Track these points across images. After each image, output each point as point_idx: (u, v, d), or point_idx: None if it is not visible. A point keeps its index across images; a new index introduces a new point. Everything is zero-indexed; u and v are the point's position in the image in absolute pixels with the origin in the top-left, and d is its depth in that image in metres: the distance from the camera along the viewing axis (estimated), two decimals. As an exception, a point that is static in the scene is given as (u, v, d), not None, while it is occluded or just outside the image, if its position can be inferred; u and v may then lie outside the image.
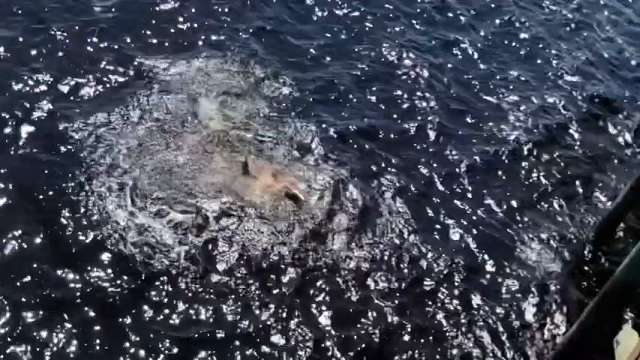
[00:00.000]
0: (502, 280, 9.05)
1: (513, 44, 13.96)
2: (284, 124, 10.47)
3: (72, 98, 9.97)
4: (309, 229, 8.87)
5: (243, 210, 8.88)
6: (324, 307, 8.15)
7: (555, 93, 12.73)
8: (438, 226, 9.53)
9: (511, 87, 12.63)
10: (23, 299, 7.52)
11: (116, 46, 11.03)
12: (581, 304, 8.74)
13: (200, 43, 11.65)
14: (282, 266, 8.42)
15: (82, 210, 8.45)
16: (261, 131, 10.20)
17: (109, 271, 7.92)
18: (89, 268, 7.91)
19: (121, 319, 7.55)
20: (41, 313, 7.45)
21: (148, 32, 11.47)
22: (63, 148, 9.15)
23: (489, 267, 9.17)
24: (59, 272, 7.83)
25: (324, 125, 10.66)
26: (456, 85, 12.27)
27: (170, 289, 7.90)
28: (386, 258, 8.86)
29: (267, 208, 8.97)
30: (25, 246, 8.01)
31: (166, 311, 7.71)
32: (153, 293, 7.85)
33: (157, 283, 7.93)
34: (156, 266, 8.06)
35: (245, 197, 9.02)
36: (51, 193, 8.61)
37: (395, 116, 11.29)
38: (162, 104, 10.17)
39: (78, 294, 7.67)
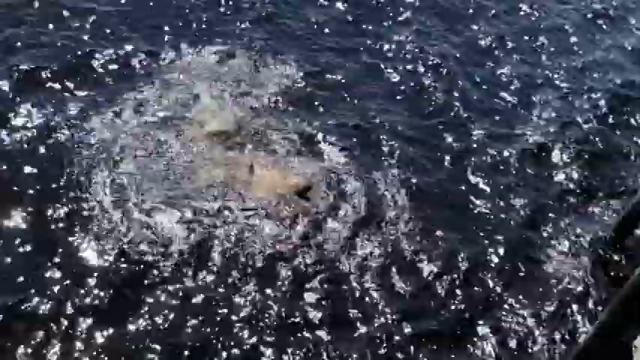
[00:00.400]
0: (517, 281, 8.68)
1: (531, 35, 13.44)
2: (289, 117, 10.18)
3: (65, 92, 9.75)
4: (314, 228, 8.59)
5: (245, 208, 8.63)
6: (326, 310, 7.85)
7: (575, 86, 12.26)
8: (450, 226, 9.15)
9: (528, 80, 12.17)
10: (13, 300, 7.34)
11: (112, 38, 10.79)
12: (599, 306, 8.43)
13: (200, 34, 11.36)
14: (286, 267, 8.16)
15: (75, 208, 8.26)
16: (265, 125, 9.92)
17: (104, 270, 7.71)
18: (82, 267, 7.71)
19: (114, 321, 7.34)
20: (30, 313, 7.27)
21: (146, 24, 11.22)
22: (55, 144, 8.95)
23: (503, 268, 8.78)
24: (50, 271, 7.64)
25: (330, 119, 10.35)
26: (469, 78, 11.85)
27: (167, 289, 7.67)
28: (395, 258, 8.53)
29: (272, 206, 8.70)
30: (16, 244, 7.83)
31: (163, 312, 7.49)
32: (148, 293, 7.63)
33: (154, 283, 7.71)
34: (153, 265, 7.83)
35: (248, 195, 8.75)
36: (42, 189, 8.40)
37: (405, 111, 10.91)
38: (161, 99, 9.92)
39: (69, 295, 7.45)
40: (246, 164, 9.11)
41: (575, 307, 8.52)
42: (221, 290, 7.78)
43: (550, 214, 9.72)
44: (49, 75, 9.96)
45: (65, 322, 7.23)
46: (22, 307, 7.27)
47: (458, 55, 12.38)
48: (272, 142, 9.70)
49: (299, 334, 7.55)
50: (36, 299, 7.35)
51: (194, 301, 7.64)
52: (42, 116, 9.35)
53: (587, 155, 10.85)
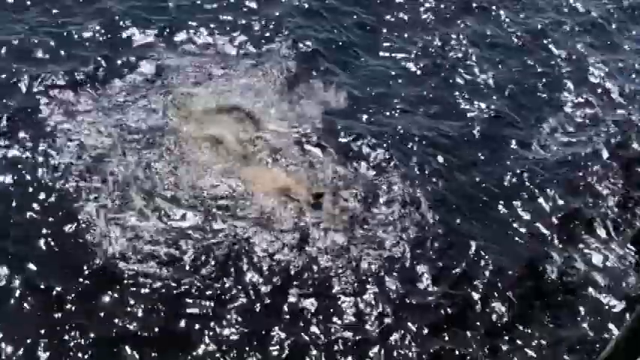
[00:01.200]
0: (542, 293, 8.20)
1: (561, 29, 12.72)
2: (292, 110, 9.83)
3: (43, 89, 9.51)
4: (323, 234, 8.18)
5: (242, 210, 8.27)
6: (339, 322, 7.47)
7: (608, 85, 11.54)
8: (471, 234, 8.63)
9: (558, 79, 11.51)
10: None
11: (104, 31, 10.58)
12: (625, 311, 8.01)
13: (195, 24, 11.02)
14: (288, 273, 7.78)
15: (60, 213, 8.02)
16: (268, 115, 9.58)
17: (92, 279, 7.45)
18: (68, 274, 7.46)
19: (105, 329, 7.08)
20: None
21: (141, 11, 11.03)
22: (37, 144, 8.72)
23: (529, 280, 8.29)
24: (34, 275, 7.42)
25: (338, 109, 10.00)
26: (494, 77, 11.23)
27: (162, 292, 7.41)
28: (409, 268, 8.07)
29: (272, 209, 8.31)
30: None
31: (155, 316, 7.23)
32: (140, 300, 7.34)
33: (145, 290, 7.44)
34: (142, 272, 7.56)
35: (252, 199, 8.40)
36: (22, 194, 8.18)
37: (424, 111, 10.36)
38: (156, 97, 9.64)
39: (55, 304, 7.22)
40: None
41: (599, 312, 8.03)
42: (219, 296, 7.48)
43: (581, 224, 9.14)
44: (34, 74, 9.71)
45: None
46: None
47: (482, 50, 11.79)
48: (275, 137, 9.27)
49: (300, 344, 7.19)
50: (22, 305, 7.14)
51: (187, 305, 7.36)
52: (19, 115, 9.13)
53: (622, 160, 10.19)
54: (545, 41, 12.31)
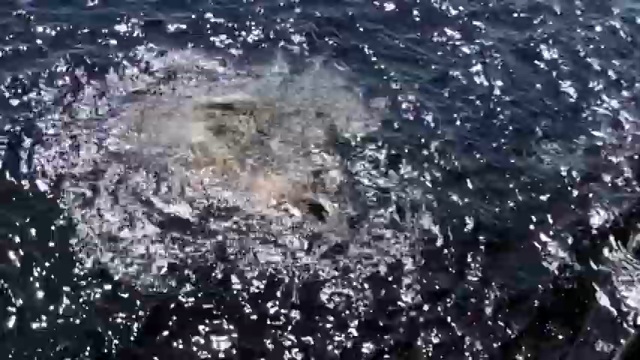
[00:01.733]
0: (565, 314, 7.92)
1: (586, 36, 12.56)
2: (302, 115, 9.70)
3: (36, 90, 9.47)
4: (318, 242, 7.98)
5: (239, 218, 8.12)
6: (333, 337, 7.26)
7: (634, 93, 11.35)
8: (472, 247, 8.36)
9: (583, 87, 11.33)
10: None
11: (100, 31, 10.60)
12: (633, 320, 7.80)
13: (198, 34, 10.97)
14: (285, 283, 7.60)
15: (49, 221, 7.90)
16: (271, 115, 9.49)
17: (80, 289, 7.32)
18: (55, 284, 7.34)
19: (93, 341, 6.94)
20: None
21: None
22: (28, 149, 8.62)
23: (550, 302, 8.03)
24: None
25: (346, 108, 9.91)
26: (510, 89, 11.03)
27: (154, 305, 7.25)
28: (412, 280, 7.82)
29: (271, 217, 8.14)
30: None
31: (148, 329, 7.09)
32: (132, 312, 7.20)
33: (137, 300, 7.29)
34: (134, 282, 7.43)
35: (244, 204, 8.25)
36: (11, 202, 8.09)
37: (435, 121, 10.13)
38: (145, 96, 9.58)
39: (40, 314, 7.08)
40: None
41: (616, 331, 7.69)
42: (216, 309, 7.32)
43: (590, 233, 8.88)
44: (27, 76, 9.66)
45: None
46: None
47: (489, 55, 11.64)
48: (274, 141, 9.15)
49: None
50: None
51: (180, 316, 7.23)
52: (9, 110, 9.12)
53: (633, 169, 9.87)
54: (554, 48, 12.11)
